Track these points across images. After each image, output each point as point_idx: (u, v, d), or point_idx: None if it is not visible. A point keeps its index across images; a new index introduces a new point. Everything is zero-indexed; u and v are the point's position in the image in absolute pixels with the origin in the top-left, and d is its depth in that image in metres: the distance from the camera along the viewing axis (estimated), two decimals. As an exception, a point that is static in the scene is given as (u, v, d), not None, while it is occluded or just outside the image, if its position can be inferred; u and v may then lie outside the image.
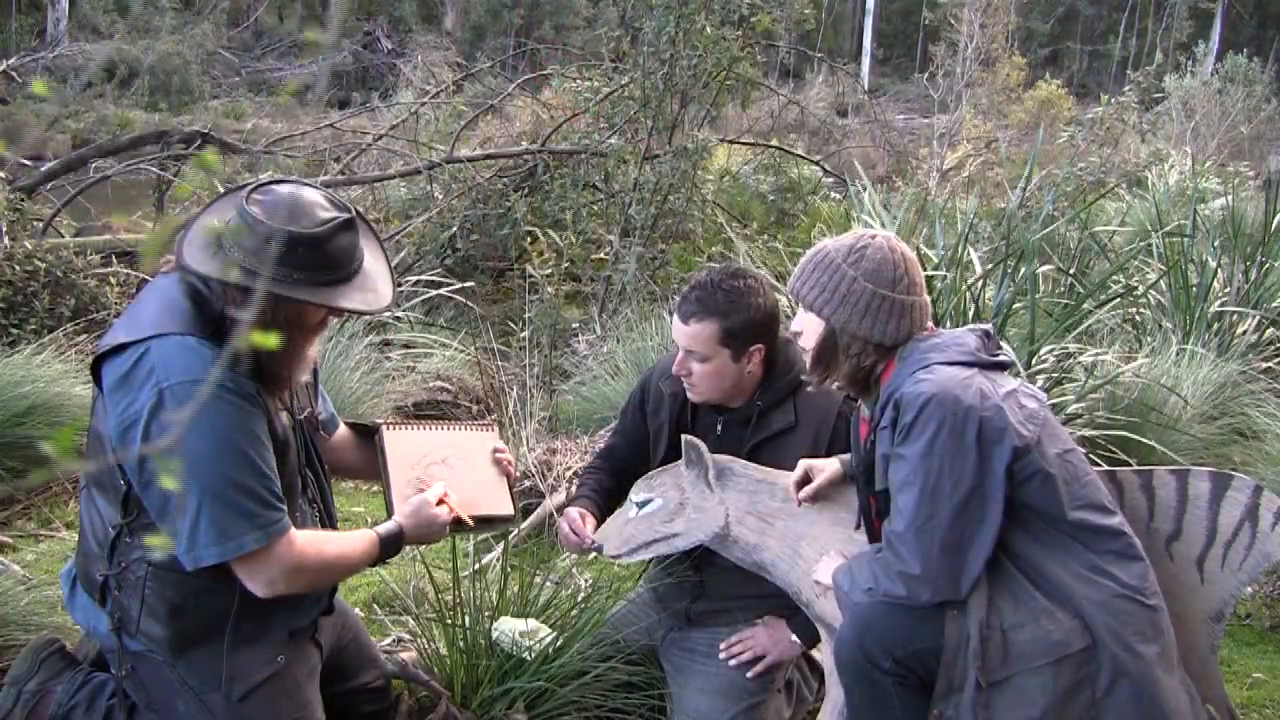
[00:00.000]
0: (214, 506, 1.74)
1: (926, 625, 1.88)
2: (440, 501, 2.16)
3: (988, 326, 2.01)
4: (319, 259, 1.81)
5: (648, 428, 2.50)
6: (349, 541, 2.01)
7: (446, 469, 2.29)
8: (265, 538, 1.78)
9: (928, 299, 2.00)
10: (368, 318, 4.91)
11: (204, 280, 1.82)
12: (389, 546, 2.06)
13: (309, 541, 1.89)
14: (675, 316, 2.31)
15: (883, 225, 4.93)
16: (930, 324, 2.03)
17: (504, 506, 2.33)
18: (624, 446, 2.57)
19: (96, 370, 1.84)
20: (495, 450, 2.38)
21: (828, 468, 2.22)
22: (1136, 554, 1.90)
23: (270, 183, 1.89)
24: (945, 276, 4.23)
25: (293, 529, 1.85)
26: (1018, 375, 2.00)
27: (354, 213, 1.89)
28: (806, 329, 2.03)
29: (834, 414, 2.32)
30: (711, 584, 2.44)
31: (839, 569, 2.03)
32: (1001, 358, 1.97)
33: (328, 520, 2.11)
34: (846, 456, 2.21)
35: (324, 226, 1.81)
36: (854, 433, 2.14)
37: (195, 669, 1.89)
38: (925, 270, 4.10)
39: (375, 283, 1.92)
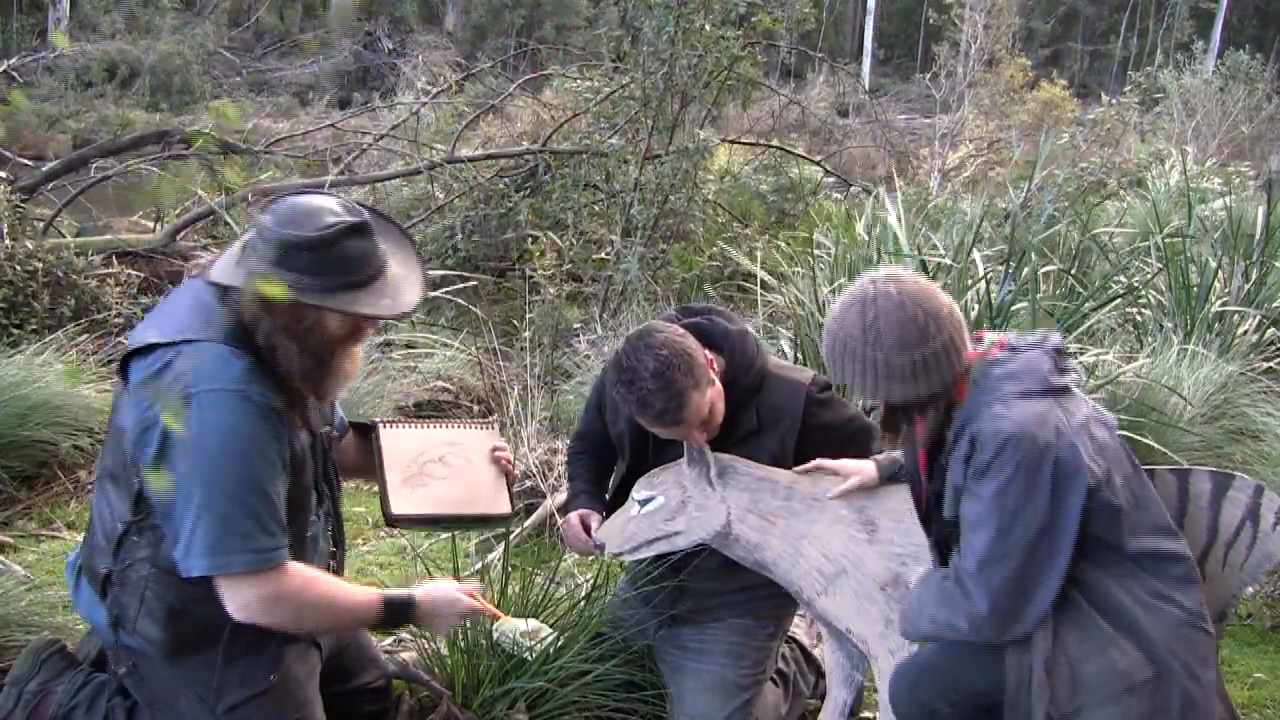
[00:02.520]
0: (211, 518, 1.73)
1: (978, 666, 1.90)
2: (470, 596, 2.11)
3: (1058, 341, 1.94)
4: (325, 263, 1.78)
5: (608, 430, 2.50)
6: (348, 592, 1.96)
7: (444, 467, 2.28)
8: (255, 562, 1.77)
9: (955, 312, 1.91)
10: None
11: (225, 290, 1.82)
12: (395, 610, 1.98)
13: (304, 578, 1.85)
14: (653, 426, 2.21)
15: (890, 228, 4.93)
16: (978, 334, 1.98)
17: (502, 505, 2.33)
18: (594, 432, 2.57)
19: (124, 365, 1.83)
20: (495, 449, 2.37)
21: (863, 471, 2.22)
22: (1196, 577, 1.89)
23: (290, 193, 1.89)
24: (948, 280, 4.24)
25: (288, 562, 1.82)
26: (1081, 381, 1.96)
27: (366, 219, 1.85)
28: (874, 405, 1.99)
29: (799, 413, 2.29)
30: (692, 585, 2.44)
31: (914, 590, 2.03)
32: (1071, 378, 1.92)
33: (337, 531, 2.11)
34: (884, 459, 2.21)
35: (326, 230, 1.79)
36: (911, 461, 2.09)
37: (188, 675, 1.89)
38: (928, 267, 4.13)
39: (398, 289, 1.87)
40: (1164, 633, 1.83)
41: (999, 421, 1.81)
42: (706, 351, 2.22)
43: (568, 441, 3.87)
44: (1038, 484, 1.78)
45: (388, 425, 2.28)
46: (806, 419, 2.29)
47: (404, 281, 1.90)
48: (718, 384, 2.24)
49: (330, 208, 1.83)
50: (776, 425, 2.30)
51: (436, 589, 2.06)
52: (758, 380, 2.31)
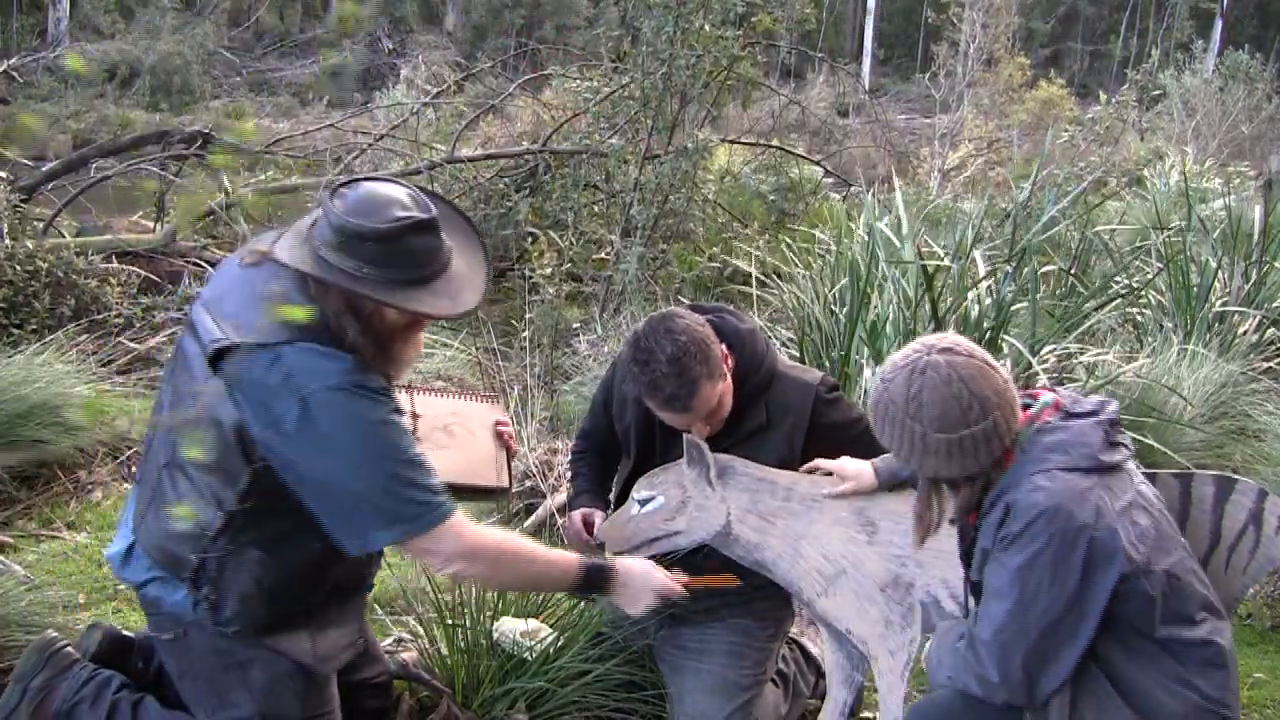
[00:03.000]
0: (380, 500, 1.78)
1: None
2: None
3: (1114, 412, 1.88)
4: (387, 257, 1.78)
5: (615, 427, 2.50)
6: (542, 549, 2.03)
7: (448, 436, 2.31)
8: (435, 519, 1.82)
9: (1008, 394, 1.83)
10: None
11: (298, 274, 1.81)
12: (592, 576, 2.05)
13: (489, 531, 1.97)
14: (660, 410, 2.23)
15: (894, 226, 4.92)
16: (1033, 391, 1.94)
17: (500, 480, 2.35)
18: (599, 429, 2.58)
19: (215, 360, 1.81)
20: (499, 424, 2.40)
21: (860, 476, 2.22)
22: (1221, 662, 1.86)
23: (363, 179, 1.88)
24: (948, 279, 4.23)
25: (460, 516, 1.88)
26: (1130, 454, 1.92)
27: (433, 215, 1.84)
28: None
29: (808, 412, 2.30)
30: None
31: (934, 642, 2.02)
32: (1122, 454, 1.86)
33: None
34: (884, 464, 2.21)
35: (393, 224, 1.77)
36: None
37: (279, 648, 1.94)
38: (931, 264, 4.12)
39: (460, 288, 1.87)
40: (1180, 718, 1.81)
41: (1036, 494, 1.76)
42: (721, 346, 2.24)
43: (568, 441, 3.89)
44: (1068, 563, 1.74)
45: (399, 387, 2.31)
46: (814, 418, 2.30)
47: (466, 281, 1.89)
48: (729, 379, 2.25)
49: (400, 200, 1.82)
50: (784, 423, 2.31)
51: (634, 562, 2.13)
52: (767, 378, 2.32)
